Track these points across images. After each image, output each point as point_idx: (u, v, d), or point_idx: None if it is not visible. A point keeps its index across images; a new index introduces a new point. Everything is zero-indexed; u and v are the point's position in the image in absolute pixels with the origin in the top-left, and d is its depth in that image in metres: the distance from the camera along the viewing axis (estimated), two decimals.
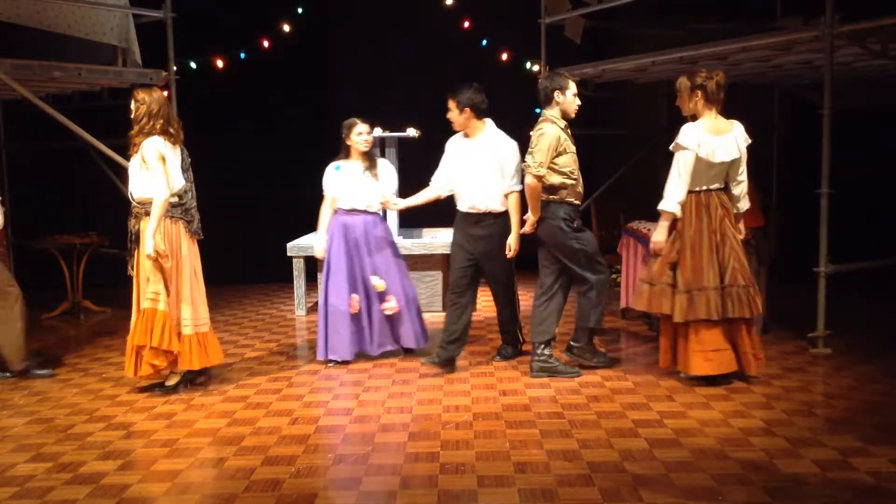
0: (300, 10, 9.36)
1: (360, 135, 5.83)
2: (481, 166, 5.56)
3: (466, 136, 5.68)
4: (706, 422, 4.52)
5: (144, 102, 5.14)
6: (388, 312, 5.90)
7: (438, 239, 7.78)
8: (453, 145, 5.80)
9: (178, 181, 5.22)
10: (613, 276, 8.29)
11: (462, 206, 5.70)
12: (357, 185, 5.85)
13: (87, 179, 8.77)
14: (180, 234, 5.21)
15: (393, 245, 6.06)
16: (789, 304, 6.76)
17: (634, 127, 9.26)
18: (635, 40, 8.51)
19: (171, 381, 5.31)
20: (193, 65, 8.75)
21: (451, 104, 5.55)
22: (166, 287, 5.11)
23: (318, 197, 6.05)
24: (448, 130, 5.77)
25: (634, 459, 3.99)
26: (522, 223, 5.50)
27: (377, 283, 5.86)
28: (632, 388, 5.21)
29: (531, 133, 5.42)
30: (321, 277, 6.00)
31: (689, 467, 3.89)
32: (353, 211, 5.87)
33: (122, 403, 5.13)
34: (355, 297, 5.83)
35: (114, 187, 7.79)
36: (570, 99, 5.42)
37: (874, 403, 4.82)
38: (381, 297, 5.89)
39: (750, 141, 5.13)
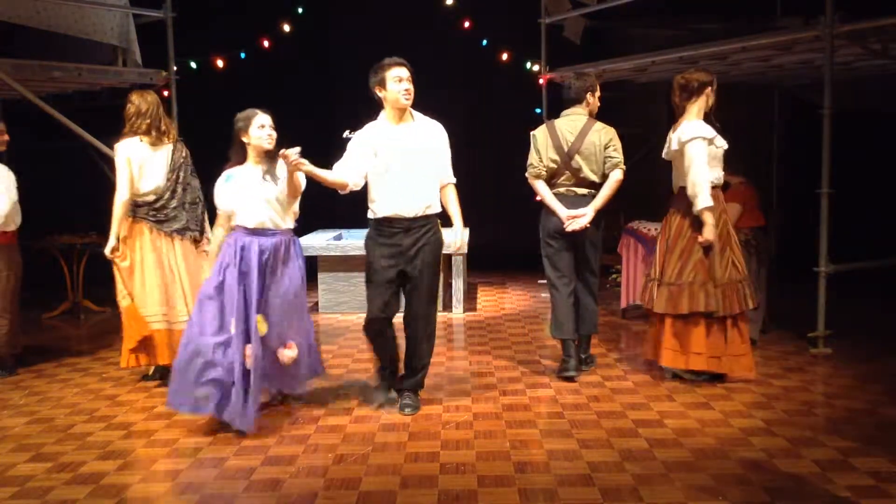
0: (300, 10, 9.37)
1: (263, 128, 4.57)
2: (420, 158, 4.67)
3: (392, 121, 4.70)
4: (706, 422, 4.52)
5: (134, 104, 5.29)
6: (286, 361, 4.63)
7: None
8: (377, 134, 4.68)
9: (150, 182, 5.29)
10: (613, 276, 8.30)
11: (388, 209, 4.64)
12: (258, 195, 4.54)
13: (87, 179, 8.77)
14: (143, 233, 5.28)
15: (300, 272, 4.71)
16: (789, 304, 6.76)
17: (634, 127, 9.26)
18: (635, 40, 8.51)
19: (150, 371, 5.51)
20: (193, 65, 8.76)
21: (409, 73, 4.66)
22: (125, 284, 5.30)
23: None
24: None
25: (634, 459, 3.99)
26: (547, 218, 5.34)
27: (260, 325, 4.50)
28: (632, 388, 5.21)
29: (587, 132, 5.24)
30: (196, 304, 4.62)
31: (689, 467, 3.89)
32: (257, 230, 4.55)
33: (122, 403, 5.13)
34: (249, 348, 4.43)
35: (114, 187, 7.78)
36: (596, 100, 5.44)
37: (874, 403, 4.82)
38: (270, 341, 4.57)
39: (684, 140, 4.99)
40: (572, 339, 5.38)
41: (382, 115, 4.74)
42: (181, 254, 5.35)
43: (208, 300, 4.48)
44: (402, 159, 4.63)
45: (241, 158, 4.64)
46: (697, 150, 4.98)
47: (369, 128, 4.74)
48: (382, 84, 4.61)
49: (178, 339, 5.17)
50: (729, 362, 5.13)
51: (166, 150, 5.33)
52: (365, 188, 4.72)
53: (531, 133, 5.42)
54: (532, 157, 5.36)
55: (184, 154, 5.42)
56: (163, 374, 5.43)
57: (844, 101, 6.14)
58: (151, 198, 5.28)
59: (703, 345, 5.09)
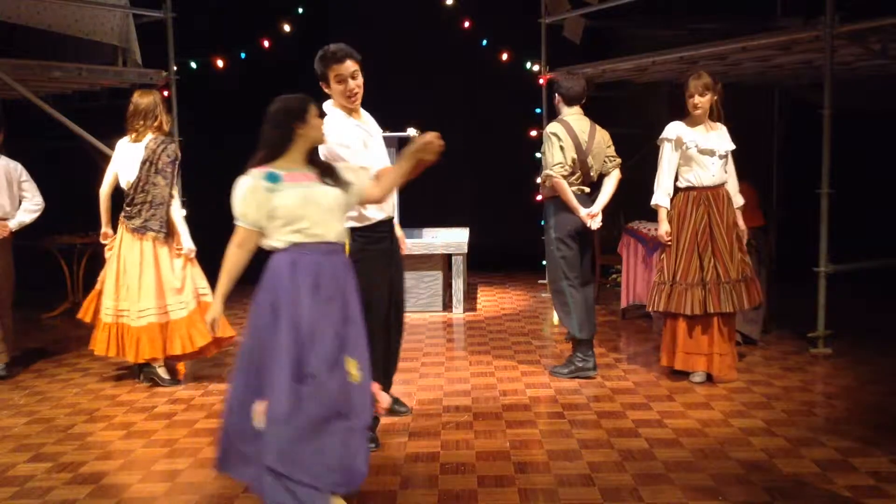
0: (300, 10, 9.37)
1: (320, 118, 3.50)
2: (386, 152, 4.33)
3: (352, 115, 4.19)
4: (706, 422, 4.52)
5: (133, 102, 5.37)
6: (385, 408, 3.64)
7: (438, 239, 7.78)
8: (359, 127, 4.17)
9: (124, 178, 5.37)
10: (613, 276, 8.30)
11: (381, 211, 4.17)
12: (333, 201, 3.42)
13: (87, 179, 8.77)
14: (120, 228, 5.42)
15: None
16: (789, 304, 6.76)
17: (634, 127, 9.26)
18: (635, 40, 8.50)
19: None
20: (193, 65, 8.75)
21: (358, 67, 4.12)
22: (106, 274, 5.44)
23: None
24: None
25: (634, 459, 3.99)
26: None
27: (352, 366, 3.30)
28: (632, 388, 5.21)
29: (594, 132, 5.33)
30: (246, 349, 3.34)
31: (689, 467, 3.89)
32: (331, 246, 3.41)
33: (122, 403, 5.13)
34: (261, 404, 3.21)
35: (114, 187, 7.81)
36: None
37: (874, 403, 4.82)
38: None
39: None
40: (591, 338, 5.46)
41: (333, 108, 4.15)
42: (140, 251, 5.31)
43: (280, 353, 3.21)
44: (381, 153, 4.24)
45: (278, 153, 3.42)
46: (661, 149, 5.23)
47: (345, 122, 4.11)
48: (325, 81, 4.13)
49: (131, 335, 5.27)
50: (709, 361, 5.20)
51: (141, 144, 5.34)
52: None
53: (549, 133, 5.31)
54: (558, 156, 5.24)
55: (154, 151, 5.30)
56: (138, 372, 5.54)
57: (845, 101, 6.13)
58: (125, 194, 5.39)
59: (672, 343, 5.26)
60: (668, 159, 5.18)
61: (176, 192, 5.42)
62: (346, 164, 3.74)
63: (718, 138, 5.15)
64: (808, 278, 6.09)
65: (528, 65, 9.08)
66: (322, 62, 4.10)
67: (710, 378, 5.23)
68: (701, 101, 5.08)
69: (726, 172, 5.22)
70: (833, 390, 5.12)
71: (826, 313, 5.94)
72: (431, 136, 3.49)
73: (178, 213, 5.41)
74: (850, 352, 5.93)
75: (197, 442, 4.38)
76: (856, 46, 5.92)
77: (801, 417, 4.58)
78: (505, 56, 9.32)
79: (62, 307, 7.98)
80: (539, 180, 5.49)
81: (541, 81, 8.70)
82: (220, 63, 8.96)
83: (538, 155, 5.42)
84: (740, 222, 5.28)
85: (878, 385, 5.17)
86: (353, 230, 4.15)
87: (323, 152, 3.83)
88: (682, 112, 5.24)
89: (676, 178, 5.21)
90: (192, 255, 5.41)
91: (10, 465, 4.11)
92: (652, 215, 5.64)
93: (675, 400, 4.93)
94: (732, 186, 5.30)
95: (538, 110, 8.86)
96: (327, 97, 4.17)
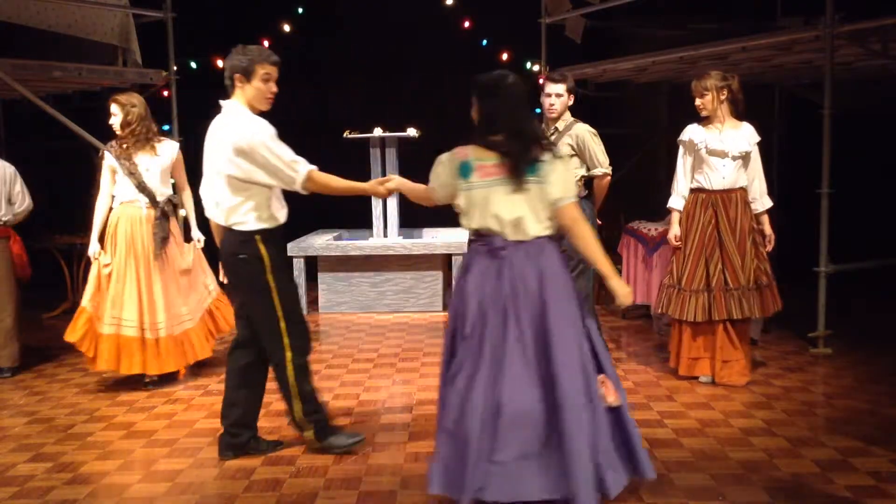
0: (300, 10, 9.37)
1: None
2: None
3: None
4: (706, 422, 4.52)
5: (135, 107, 5.35)
6: (612, 403, 3.34)
7: (438, 239, 7.78)
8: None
9: None
10: None
11: (284, 214, 4.10)
12: None
13: (87, 179, 8.77)
14: None
15: None
16: (789, 304, 6.74)
17: (634, 127, 9.26)
18: (635, 40, 8.51)
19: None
20: (193, 65, 8.75)
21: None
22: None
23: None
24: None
25: None
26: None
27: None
28: (632, 388, 5.21)
29: (586, 137, 5.32)
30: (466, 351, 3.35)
31: (689, 467, 3.89)
32: None
33: (122, 403, 5.13)
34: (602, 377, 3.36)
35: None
36: None
37: (874, 403, 4.82)
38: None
39: None
40: None
41: (243, 107, 3.98)
42: None
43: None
44: None
45: None
46: (679, 152, 5.23)
47: (262, 121, 3.95)
48: (248, 75, 3.91)
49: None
50: (715, 366, 5.16)
51: None
52: (252, 196, 3.97)
53: (591, 132, 5.31)
54: (606, 155, 5.34)
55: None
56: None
57: (845, 101, 6.13)
58: None
59: (678, 347, 5.27)
60: (681, 162, 5.16)
61: (100, 196, 5.36)
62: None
63: (734, 139, 5.00)
64: (808, 278, 6.09)
65: (528, 65, 9.08)
66: (250, 54, 3.91)
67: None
68: (702, 101, 5.05)
69: (745, 174, 5.06)
70: (833, 390, 5.12)
71: (826, 313, 5.94)
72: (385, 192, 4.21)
73: (97, 211, 5.36)
74: (850, 352, 5.93)
75: (197, 442, 4.38)
76: (856, 46, 5.92)
77: (801, 417, 4.58)
78: (505, 56, 9.32)
79: (62, 307, 7.98)
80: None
81: (541, 81, 8.70)
82: (220, 63, 8.95)
83: None
84: (766, 227, 5.17)
85: (878, 385, 5.17)
86: (268, 232, 3.99)
87: (250, 148, 3.86)
88: (681, 113, 5.25)
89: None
90: (94, 258, 5.30)
91: (10, 465, 4.11)
92: (652, 215, 5.65)
93: (675, 400, 4.93)
94: (758, 188, 5.12)
95: (538, 110, 8.85)
96: (215, 97, 4.09)
